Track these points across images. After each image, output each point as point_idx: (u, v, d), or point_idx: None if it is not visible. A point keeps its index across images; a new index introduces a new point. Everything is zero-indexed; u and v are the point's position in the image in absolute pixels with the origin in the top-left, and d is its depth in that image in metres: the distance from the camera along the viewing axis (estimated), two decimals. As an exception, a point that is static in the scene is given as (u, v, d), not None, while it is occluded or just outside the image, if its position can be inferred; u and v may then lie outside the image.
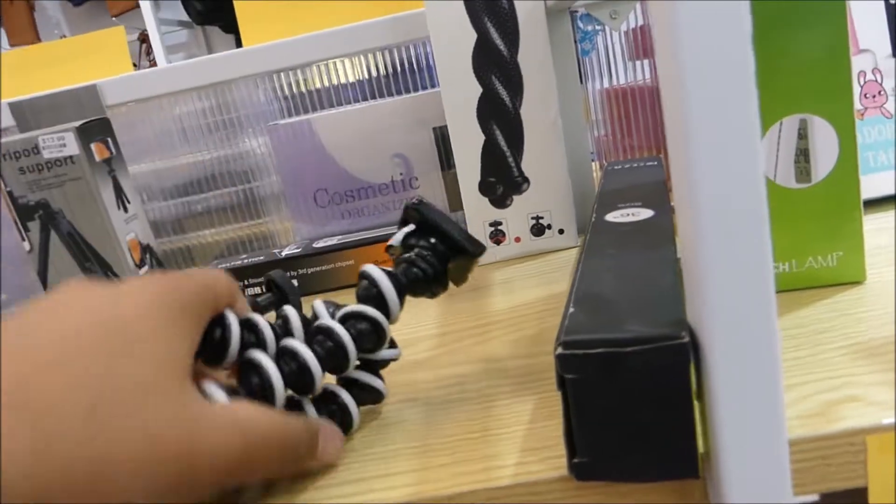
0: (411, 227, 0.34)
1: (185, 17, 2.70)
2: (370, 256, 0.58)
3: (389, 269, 0.33)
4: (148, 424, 0.23)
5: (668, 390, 0.23)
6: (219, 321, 0.29)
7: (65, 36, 2.97)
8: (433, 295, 0.34)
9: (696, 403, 0.24)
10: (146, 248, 0.61)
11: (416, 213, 0.33)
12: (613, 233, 0.36)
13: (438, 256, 0.33)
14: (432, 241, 0.33)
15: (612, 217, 0.39)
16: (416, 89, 0.68)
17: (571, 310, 0.27)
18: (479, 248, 0.33)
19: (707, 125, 0.20)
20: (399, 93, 0.68)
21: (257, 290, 0.59)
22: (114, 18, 2.85)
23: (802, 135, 0.36)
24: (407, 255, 0.33)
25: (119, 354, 0.23)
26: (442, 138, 0.61)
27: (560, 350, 0.24)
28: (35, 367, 0.22)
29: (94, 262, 0.57)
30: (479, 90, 0.52)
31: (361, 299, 0.32)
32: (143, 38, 2.72)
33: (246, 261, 0.60)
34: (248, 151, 0.69)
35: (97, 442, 0.21)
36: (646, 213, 0.39)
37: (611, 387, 0.24)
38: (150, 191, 0.70)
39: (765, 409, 0.22)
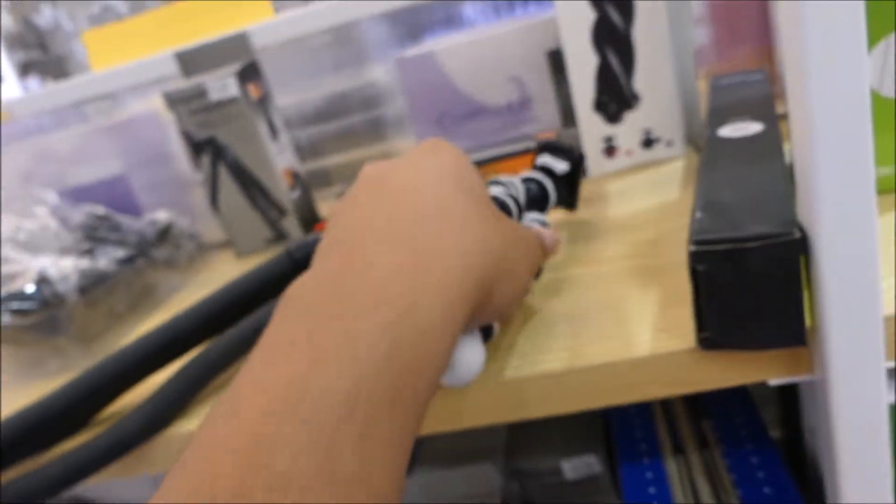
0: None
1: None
2: (488, 173, 0.65)
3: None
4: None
5: (782, 277, 0.29)
6: None
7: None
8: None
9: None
10: (295, 175, 0.69)
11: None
12: (727, 147, 0.41)
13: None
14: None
15: (724, 132, 0.44)
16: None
17: (698, 215, 0.33)
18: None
19: (819, 41, 0.25)
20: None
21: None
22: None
23: (906, 49, 0.39)
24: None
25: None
26: (554, 61, 0.65)
27: (693, 248, 0.30)
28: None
29: (255, 189, 0.67)
30: (594, 16, 0.56)
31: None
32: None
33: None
34: (374, 81, 0.76)
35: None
36: (755, 127, 0.43)
37: (734, 275, 0.30)
38: (288, 122, 0.78)
39: (863, 288, 0.28)
